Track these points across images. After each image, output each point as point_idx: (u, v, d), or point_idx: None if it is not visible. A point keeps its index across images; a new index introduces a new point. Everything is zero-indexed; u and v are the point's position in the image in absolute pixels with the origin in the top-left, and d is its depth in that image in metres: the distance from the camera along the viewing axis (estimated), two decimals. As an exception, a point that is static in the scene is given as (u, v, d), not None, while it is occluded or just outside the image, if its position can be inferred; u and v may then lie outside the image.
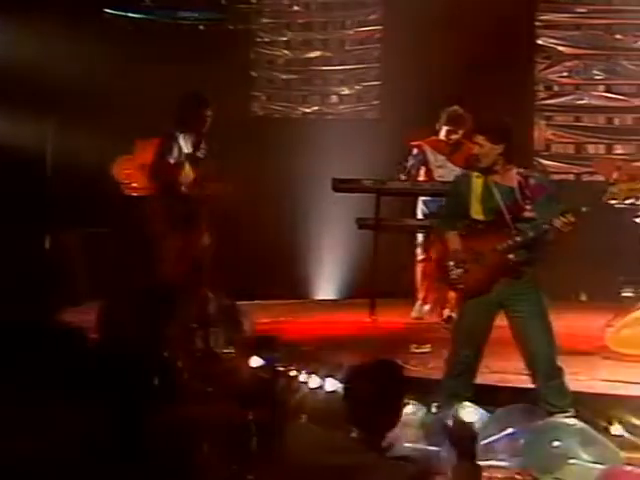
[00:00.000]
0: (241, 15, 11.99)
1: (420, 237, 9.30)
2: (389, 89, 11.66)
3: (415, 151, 9.28)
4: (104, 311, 4.51)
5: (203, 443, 4.34)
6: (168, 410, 4.07)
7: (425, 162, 9.21)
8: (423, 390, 6.41)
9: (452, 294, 9.02)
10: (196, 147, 8.07)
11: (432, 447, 5.93)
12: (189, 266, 7.95)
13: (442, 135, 9.23)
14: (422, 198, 9.27)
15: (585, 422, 5.86)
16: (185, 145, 8.02)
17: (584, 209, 6.09)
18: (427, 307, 9.22)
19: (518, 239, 6.04)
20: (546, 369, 6.08)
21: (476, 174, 6.18)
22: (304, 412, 6.17)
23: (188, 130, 8.02)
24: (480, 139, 6.11)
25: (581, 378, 6.78)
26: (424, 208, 9.26)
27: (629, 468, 5.36)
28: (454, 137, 9.13)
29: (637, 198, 8.70)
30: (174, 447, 3.84)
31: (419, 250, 9.30)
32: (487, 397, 6.32)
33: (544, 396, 6.05)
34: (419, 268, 9.27)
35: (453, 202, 6.41)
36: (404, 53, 11.16)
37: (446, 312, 9.08)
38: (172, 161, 7.97)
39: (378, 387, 3.90)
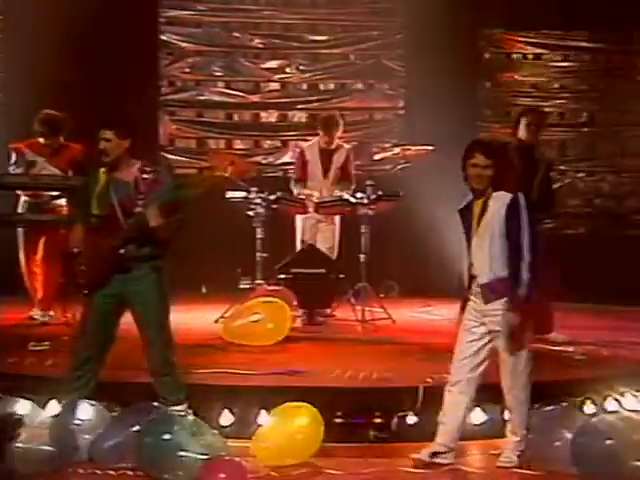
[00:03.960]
0: None
1: (20, 233, 9.04)
2: (12, 80, 11.38)
3: (14, 155, 9.00)
4: None
5: None
6: None
7: (25, 165, 8.93)
8: (41, 388, 6.44)
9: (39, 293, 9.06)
10: None
11: (48, 447, 5.93)
12: None
13: (42, 140, 8.97)
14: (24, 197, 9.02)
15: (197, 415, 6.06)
16: None
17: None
18: (49, 311, 9.08)
19: (124, 233, 6.09)
20: (159, 364, 6.18)
21: (103, 170, 6.20)
22: None
23: None
24: (108, 134, 6.13)
25: (197, 370, 6.92)
26: (24, 203, 9.02)
27: (228, 458, 5.61)
28: (51, 142, 8.94)
29: (249, 192, 9.14)
30: None
31: (22, 247, 9.07)
32: (106, 393, 6.37)
33: (159, 390, 6.17)
34: (31, 266, 9.14)
35: (82, 197, 6.35)
36: (28, 44, 10.97)
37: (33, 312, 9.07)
38: None
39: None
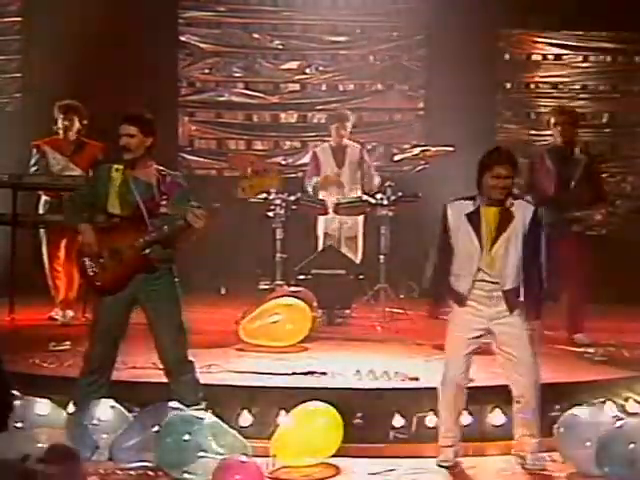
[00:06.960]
0: None
1: (43, 232, 9.04)
2: (31, 81, 11.46)
3: (35, 152, 9.02)
4: None
5: None
6: None
7: (46, 164, 8.96)
8: (60, 388, 6.45)
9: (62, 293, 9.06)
10: None
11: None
12: None
13: (61, 132, 9.01)
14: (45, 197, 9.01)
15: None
16: None
17: (216, 205, 6.26)
18: (69, 311, 9.08)
19: (153, 235, 6.07)
20: (176, 364, 6.18)
21: (115, 167, 6.14)
22: None
23: None
24: (132, 130, 6.10)
25: (214, 371, 6.95)
26: (45, 204, 9.02)
27: (244, 459, 5.57)
28: (69, 125, 8.95)
29: (269, 193, 9.14)
30: None
31: (45, 247, 9.08)
32: (125, 393, 6.37)
33: (176, 391, 6.15)
34: (54, 265, 9.15)
35: (88, 194, 6.27)
36: (47, 45, 11.01)
37: (54, 313, 9.07)
38: None
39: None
